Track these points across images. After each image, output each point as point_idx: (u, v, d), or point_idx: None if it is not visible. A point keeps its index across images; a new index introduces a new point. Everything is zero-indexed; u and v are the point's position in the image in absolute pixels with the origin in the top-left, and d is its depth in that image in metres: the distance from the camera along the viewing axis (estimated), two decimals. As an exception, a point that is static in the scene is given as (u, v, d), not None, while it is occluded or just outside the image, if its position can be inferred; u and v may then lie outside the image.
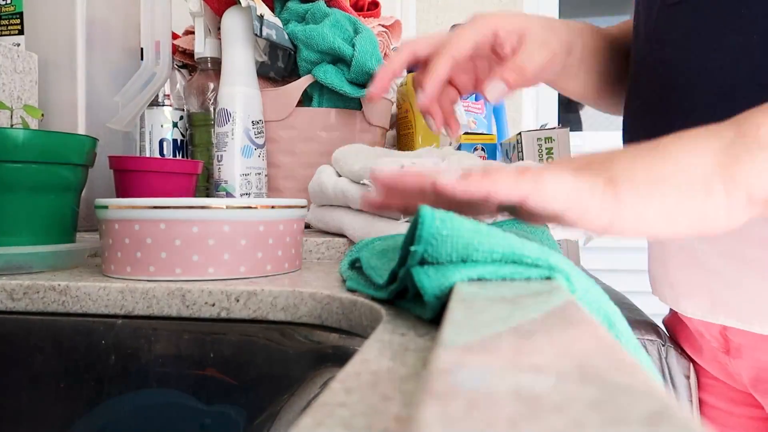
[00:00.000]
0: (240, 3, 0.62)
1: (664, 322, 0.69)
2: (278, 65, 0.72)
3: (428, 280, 0.22)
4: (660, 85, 0.48)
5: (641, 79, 0.52)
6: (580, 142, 1.86)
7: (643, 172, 0.31)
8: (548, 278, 0.23)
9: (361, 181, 0.50)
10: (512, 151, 0.77)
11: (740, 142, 0.31)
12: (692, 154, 0.32)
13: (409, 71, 0.77)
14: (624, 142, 0.55)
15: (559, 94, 1.99)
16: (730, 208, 0.31)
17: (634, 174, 0.31)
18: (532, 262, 0.23)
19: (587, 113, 2.33)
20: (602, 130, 2.15)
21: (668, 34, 0.48)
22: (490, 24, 0.47)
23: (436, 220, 0.22)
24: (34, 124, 0.60)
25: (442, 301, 0.22)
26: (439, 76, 0.45)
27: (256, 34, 0.62)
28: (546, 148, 0.71)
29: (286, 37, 0.66)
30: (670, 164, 0.31)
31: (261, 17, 0.62)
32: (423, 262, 0.23)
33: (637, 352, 0.24)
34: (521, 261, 0.23)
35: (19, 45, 0.64)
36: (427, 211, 0.22)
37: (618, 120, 0.57)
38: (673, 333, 0.67)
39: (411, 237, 0.24)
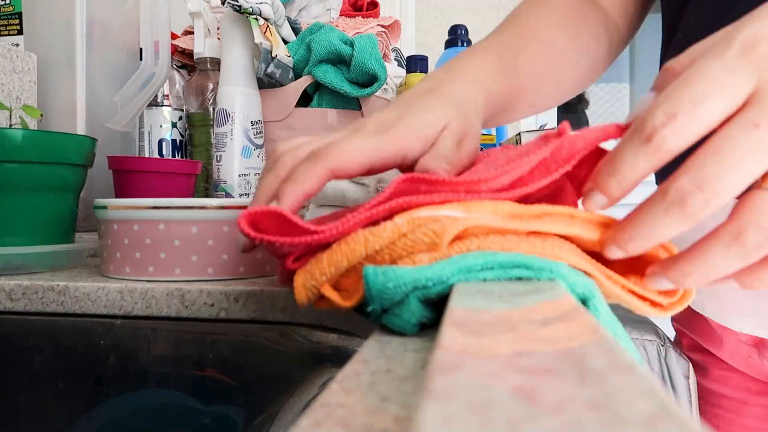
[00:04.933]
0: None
1: (672, 316, 0.69)
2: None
3: (399, 319, 0.23)
4: None
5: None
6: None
7: None
8: (551, 279, 0.23)
9: (361, 182, 0.50)
10: (511, 151, 0.77)
11: None
12: None
13: (408, 71, 0.77)
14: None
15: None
16: None
17: None
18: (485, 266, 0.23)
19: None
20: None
21: None
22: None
23: (379, 275, 0.23)
24: (33, 125, 0.60)
25: (430, 309, 0.23)
26: None
27: (258, 76, 0.63)
28: (545, 149, 0.71)
29: (291, 75, 0.66)
30: None
31: (272, 58, 0.62)
32: (385, 310, 0.24)
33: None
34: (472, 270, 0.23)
35: (18, 45, 0.64)
36: (369, 270, 0.23)
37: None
38: (688, 324, 0.67)
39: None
